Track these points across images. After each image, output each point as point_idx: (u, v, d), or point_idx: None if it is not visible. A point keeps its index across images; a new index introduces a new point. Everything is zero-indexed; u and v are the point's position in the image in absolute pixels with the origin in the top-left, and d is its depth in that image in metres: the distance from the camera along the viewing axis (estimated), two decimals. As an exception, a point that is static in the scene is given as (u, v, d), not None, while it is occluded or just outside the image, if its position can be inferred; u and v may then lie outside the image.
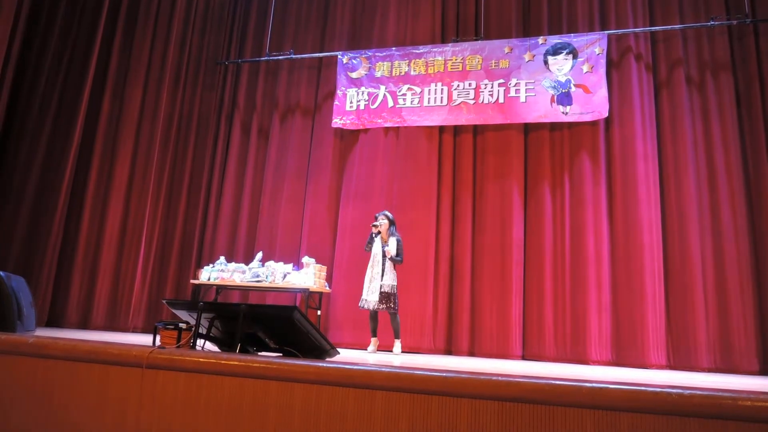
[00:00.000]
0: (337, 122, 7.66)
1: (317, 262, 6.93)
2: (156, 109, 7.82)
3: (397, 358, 4.92)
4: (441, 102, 7.16)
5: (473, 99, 7.06)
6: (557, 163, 6.95)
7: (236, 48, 8.46)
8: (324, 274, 6.82)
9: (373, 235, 5.68)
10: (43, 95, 7.49)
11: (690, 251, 6.22)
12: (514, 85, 6.97)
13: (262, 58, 8.17)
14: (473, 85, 7.11)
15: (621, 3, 6.99)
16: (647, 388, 1.84)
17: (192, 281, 6.99)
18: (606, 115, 6.66)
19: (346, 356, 3.97)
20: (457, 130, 7.34)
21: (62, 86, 7.56)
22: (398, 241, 5.63)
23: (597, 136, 6.79)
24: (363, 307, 5.52)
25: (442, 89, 7.23)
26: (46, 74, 7.54)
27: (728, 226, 6.17)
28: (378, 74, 7.52)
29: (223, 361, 2.37)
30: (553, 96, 6.83)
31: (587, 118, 6.73)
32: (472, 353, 6.58)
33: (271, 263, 6.79)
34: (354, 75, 7.62)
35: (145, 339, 4.88)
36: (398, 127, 7.46)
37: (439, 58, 7.30)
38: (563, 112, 6.78)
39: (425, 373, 2.08)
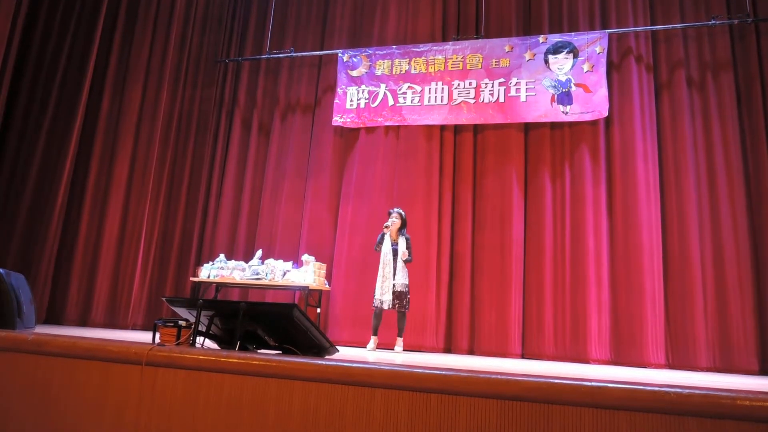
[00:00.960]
0: (337, 120, 7.64)
1: (317, 260, 6.92)
2: (156, 107, 7.77)
3: (399, 356, 4.92)
4: (441, 101, 7.16)
5: (473, 98, 7.06)
6: (557, 162, 6.94)
7: (236, 46, 8.44)
8: (323, 272, 6.80)
9: (384, 234, 5.68)
10: (42, 93, 7.45)
11: (689, 251, 6.19)
12: (515, 85, 6.95)
13: (262, 56, 8.16)
14: (473, 85, 7.10)
15: (622, 2, 6.95)
16: (646, 387, 1.84)
17: (192, 279, 6.98)
18: (606, 114, 6.65)
19: (346, 354, 3.96)
20: (457, 129, 7.32)
21: (61, 84, 7.50)
22: (408, 240, 5.64)
23: (597, 136, 6.77)
24: (378, 307, 5.51)
25: (442, 88, 7.21)
26: (45, 72, 7.50)
27: (728, 225, 6.14)
28: (378, 72, 7.51)
29: (222, 359, 2.37)
30: (553, 95, 6.82)
31: (587, 117, 6.71)
32: (471, 351, 6.57)
33: (270, 261, 6.77)
34: (354, 73, 7.60)
35: (145, 336, 4.86)
36: (398, 126, 7.45)
37: (440, 57, 7.29)
38: (563, 112, 6.77)
39: (424, 371, 2.07)
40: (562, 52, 6.85)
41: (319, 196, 7.60)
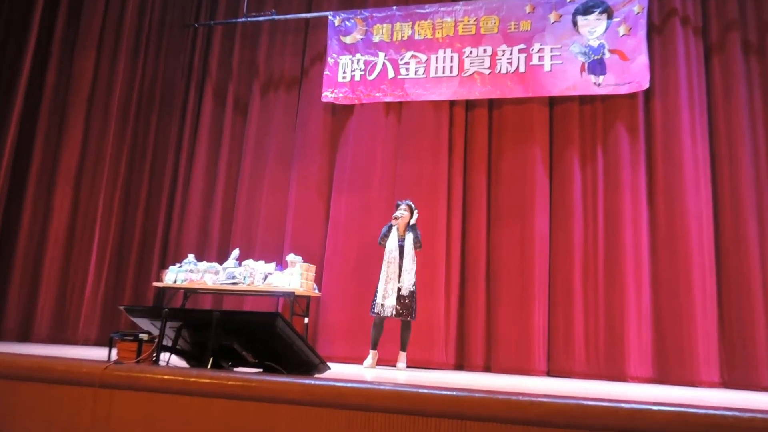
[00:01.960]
0: (327, 96, 7.66)
1: (305, 260, 6.94)
2: (111, 81, 7.71)
3: (402, 374, 4.95)
4: (451, 72, 7.18)
5: (489, 68, 7.07)
6: (588, 142, 6.95)
7: (207, 8, 8.49)
8: (312, 275, 6.87)
9: (392, 226, 5.75)
10: (-27, 69, 7.38)
11: (747, 245, 6.17)
12: (537, 52, 6.97)
13: (238, 19, 8.16)
14: (489, 52, 7.11)
15: (665, -49, 7.11)
16: (697, 410, 1.82)
17: (155, 284, 7.03)
18: (646, 86, 6.64)
19: (339, 372, 3.98)
20: (469, 105, 7.34)
21: (-3, 56, 7.45)
22: (416, 231, 5.74)
23: (635, 111, 6.77)
24: (378, 313, 5.55)
25: (451, 57, 7.23)
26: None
27: (793, 214, 6.32)
28: (376, 39, 7.53)
29: (192, 379, 2.35)
30: (583, 64, 6.83)
31: (624, 89, 6.71)
32: (488, 368, 6.60)
33: (249, 262, 6.83)
34: (347, 40, 7.62)
35: (99, 353, 4.78)
36: (400, 102, 7.48)
37: (449, 20, 7.30)
38: (595, 83, 6.77)
39: (432, 391, 2.06)
40: (594, 12, 6.86)
41: (307, 185, 7.64)
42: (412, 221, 5.75)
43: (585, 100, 7.03)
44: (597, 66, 6.73)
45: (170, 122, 8.24)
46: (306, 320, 6.76)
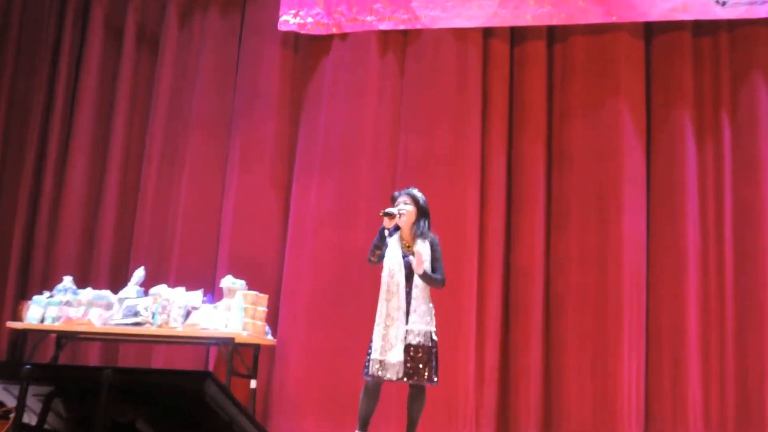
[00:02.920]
0: (288, 21, 7.67)
1: (250, 287, 6.94)
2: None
3: None
4: (485, -16, 7.59)
5: (549, -23, 7.51)
6: (707, 98, 7.06)
7: None
8: (263, 310, 6.88)
9: (386, 233, 5.62)
10: None
11: None
12: (626, -48, 7.30)
13: None
14: (548, -49, 7.45)
15: None
16: None
17: (10, 324, 7.12)
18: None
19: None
20: (516, 36, 7.46)
21: None
22: (435, 244, 5.62)
23: (784, 48, 7.12)
24: (374, 376, 5.48)
25: (488, -42, 7.51)
26: None
27: None
28: (365, -72, 7.92)
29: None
30: (698, -30, 7.17)
31: (762, 12, 6.74)
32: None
33: (161, 290, 6.88)
34: (319, -70, 8.05)
35: None
36: (405, 32, 7.55)
37: None
38: (719, 1, 6.75)
39: None
40: None
41: (255, 166, 7.84)
42: (423, 227, 5.52)
43: (702, 29, 7.06)
44: (721, -26, 7.21)
45: (34, 68, 8.33)
46: (253, 384, 6.83)
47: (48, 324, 6.80)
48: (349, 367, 6.59)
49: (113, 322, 6.74)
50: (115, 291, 7.11)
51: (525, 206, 7.24)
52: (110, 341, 7.36)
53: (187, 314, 6.70)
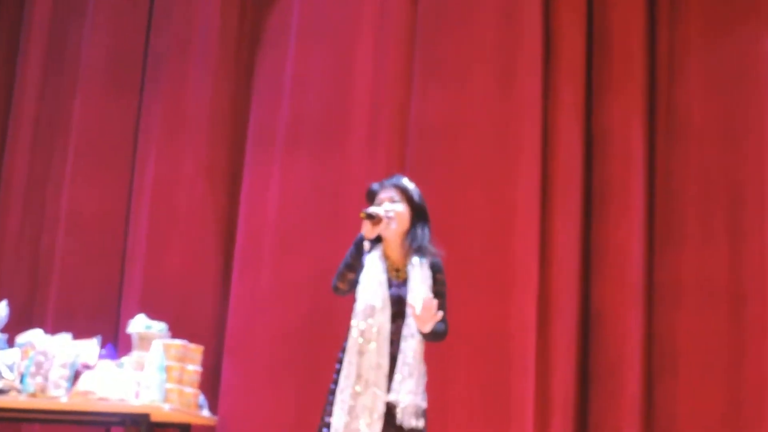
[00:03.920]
0: None
1: (175, 333, 6.38)
2: None
3: None
4: None
5: None
6: None
7: None
8: (196, 369, 6.27)
9: (365, 246, 4.77)
10: None
11: None
12: None
13: None
14: None
15: None
16: None
17: None
18: None
19: None
20: None
21: None
22: (437, 268, 4.85)
23: None
24: None
25: None
26: None
27: None
28: None
29: None
30: None
31: None
32: None
33: (35, 337, 6.40)
34: None
35: None
36: None
37: None
38: None
39: None
40: None
41: (182, 141, 7.27)
42: (420, 239, 4.92)
43: None
44: None
45: None
46: (183, 486, 6.67)
47: None
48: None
49: (-39, 393, 6.57)
50: (-44, 337, 6.93)
51: (612, 207, 6.53)
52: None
53: (76, 376, 6.12)
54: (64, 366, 6.08)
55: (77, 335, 6.35)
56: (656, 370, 6.47)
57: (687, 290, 6.47)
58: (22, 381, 6.10)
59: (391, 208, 4.68)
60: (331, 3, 7.21)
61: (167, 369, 5.96)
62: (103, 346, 6.36)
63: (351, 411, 4.62)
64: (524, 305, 6.40)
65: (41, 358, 6.10)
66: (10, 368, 6.18)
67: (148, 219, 7.17)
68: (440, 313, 4.51)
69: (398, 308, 4.65)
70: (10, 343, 6.40)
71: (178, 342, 6.12)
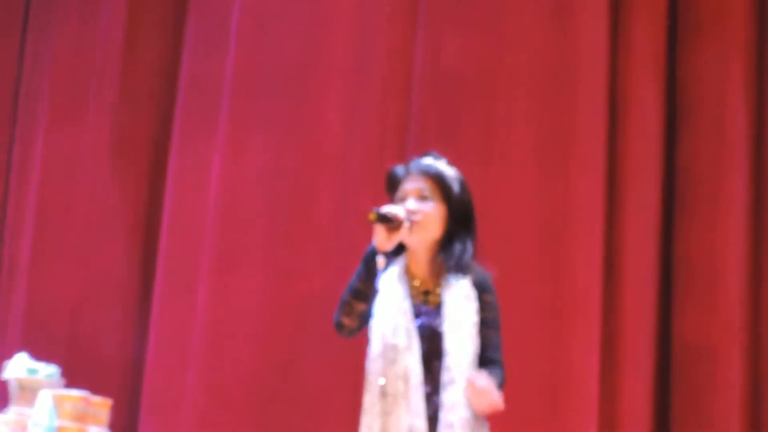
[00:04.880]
0: None
1: (71, 381, 6.10)
2: None
3: None
4: None
5: None
6: None
7: None
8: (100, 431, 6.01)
9: (378, 262, 4.11)
10: None
11: None
12: None
13: None
14: None
15: None
16: None
17: None
18: None
19: None
20: None
21: None
22: (486, 287, 4.30)
23: None
24: None
25: None
26: None
27: None
28: None
29: None
30: None
31: None
32: None
33: None
34: None
35: None
36: None
37: None
38: None
39: None
40: None
41: (79, 106, 6.97)
42: (460, 251, 4.34)
43: None
44: None
45: None
46: None
47: None
48: None
49: None
50: None
51: (703, 202, 5.98)
52: None
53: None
54: None
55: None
56: (764, 429, 5.93)
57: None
58: None
59: (417, 208, 3.87)
60: None
61: (60, 431, 5.58)
62: (-30, 400, 6.12)
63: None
64: (583, 342, 5.88)
65: None
66: None
67: (33, 216, 6.80)
68: (496, 393, 3.80)
69: (431, 345, 3.99)
70: None
71: (75, 393, 5.67)
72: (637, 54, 6.22)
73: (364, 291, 3.89)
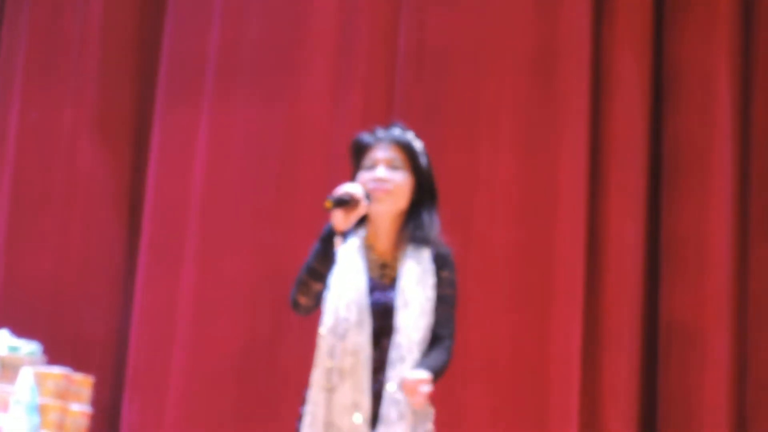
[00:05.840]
0: None
1: (54, 358, 6.19)
2: None
3: None
4: None
5: None
6: None
7: None
8: (83, 410, 6.00)
9: (335, 242, 4.15)
10: None
11: None
12: None
13: None
14: None
15: None
16: None
17: None
18: None
19: None
20: None
21: None
22: (446, 262, 4.26)
23: None
24: None
25: None
26: None
27: None
28: None
29: None
30: None
31: None
32: None
33: None
34: None
35: None
36: None
37: None
38: None
39: None
40: None
41: (57, 79, 7.04)
42: (424, 222, 4.29)
43: None
44: None
45: None
46: None
47: None
48: None
49: None
50: None
51: (690, 182, 6.07)
52: None
53: None
54: None
55: None
56: (751, 409, 6.03)
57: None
58: None
59: (388, 177, 3.81)
60: None
61: (42, 409, 5.63)
62: (-56, 377, 5.86)
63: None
64: (566, 322, 5.98)
65: None
66: None
67: (10, 191, 6.78)
68: (426, 389, 3.63)
69: (383, 322, 3.74)
70: None
71: (57, 371, 5.72)
72: (622, 33, 6.29)
73: (321, 271, 3.73)
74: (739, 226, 6.20)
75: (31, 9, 7.25)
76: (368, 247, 3.86)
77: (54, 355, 5.91)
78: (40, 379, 5.68)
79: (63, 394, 5.70)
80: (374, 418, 3.60)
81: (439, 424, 3.89)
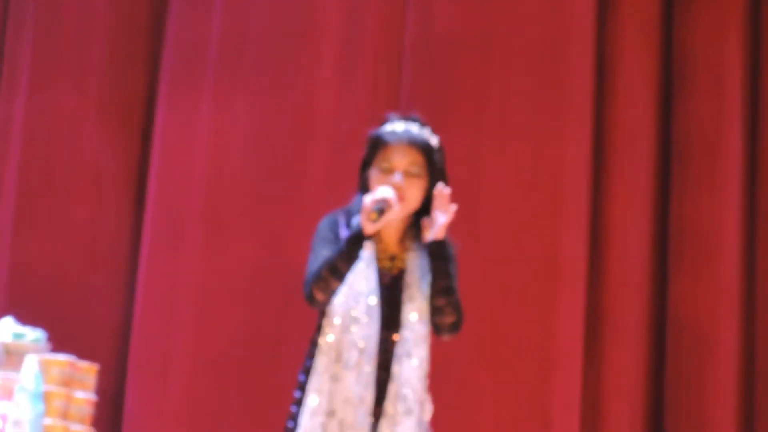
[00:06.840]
0: None
1: (58, 345, 6.25)
2: None
3: None
4: None
5: None
6: None
7: None
8: (88, 397, 6.09)
9: (365, 246, 4.20)
10: None
11: None
12: None
13: None
14: None
15: None
16: None
17: None
18: None
19: None
20: None
21: None
22: (447, 253, 4.32)
23: None
24: None
25: None
26: None
27: None
28: None
29: None
30: None
31: None
32: None
33: None
34: None
35: None
36: None
37: None
38: None
39: None
40: None
41: (60, 59, 7.12)
42: (442, 214, 4.21)
43: None
44: None
45: None
46: None
47: None
48: None
49: None
50: None
51: (698, 171, 6.17)
52: None
53: None
54: None
55: None
56: (760, 403, 6.05)
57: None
58: None
59: (404, 186, 3.85)
60: None
61: (46, 397, 5.83)
62: None
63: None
64: (570, 313, 6.08)
65: None
66: None
67: (15, 180, 6.85)
68: (452, 208, 3.66)
69: (390, 313, 3.74)
70: None
71: (62, 358, 5.80)
72: (630, 22, 6.37)
73: (343, 270, 3.66)
74: (749, 216, 6.21)
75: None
76: (377, 240, 3.91)
77: (59, 342, 6.01)
78: (44, 367, 5.77)
79: (68, 382, 5.84)
80: (377, 412, 3.59)
81: (443, 417, 3.95)
